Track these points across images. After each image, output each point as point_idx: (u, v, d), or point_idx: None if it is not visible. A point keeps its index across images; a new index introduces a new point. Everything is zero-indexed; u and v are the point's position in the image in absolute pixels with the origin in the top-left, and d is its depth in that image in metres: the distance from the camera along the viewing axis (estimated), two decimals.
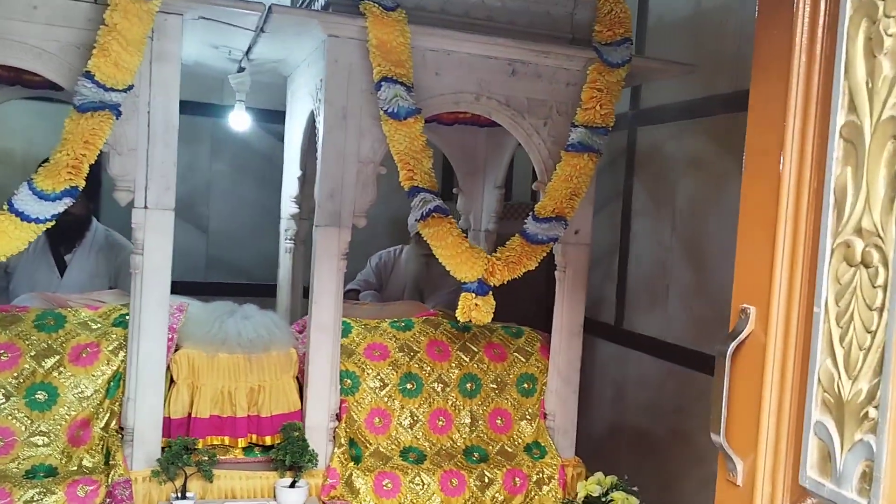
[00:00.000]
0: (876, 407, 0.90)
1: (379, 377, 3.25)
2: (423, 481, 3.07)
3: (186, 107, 4.91)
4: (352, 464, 3.04)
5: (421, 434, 3.26)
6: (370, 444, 3.18)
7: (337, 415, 3.11)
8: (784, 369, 1.07)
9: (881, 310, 0.91)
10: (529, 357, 3.51)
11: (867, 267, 0.93)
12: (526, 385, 3.45)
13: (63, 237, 3.70)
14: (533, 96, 3.18)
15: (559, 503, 3.18)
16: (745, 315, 1.15)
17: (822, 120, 1.00)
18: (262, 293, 4.25)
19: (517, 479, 3.20)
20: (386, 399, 3.24)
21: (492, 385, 3.41)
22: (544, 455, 3.31)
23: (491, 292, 2.92)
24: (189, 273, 5.08)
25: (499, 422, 3.39)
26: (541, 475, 3.24)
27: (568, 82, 3.20)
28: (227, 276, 5.22)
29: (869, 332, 0.92)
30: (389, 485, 3.03)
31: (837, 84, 0.94)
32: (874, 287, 0.92)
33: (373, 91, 2.87)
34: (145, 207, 2.75)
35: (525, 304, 4.11)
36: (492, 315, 2.94)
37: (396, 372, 3.28)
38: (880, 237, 0.92)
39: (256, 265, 5.14)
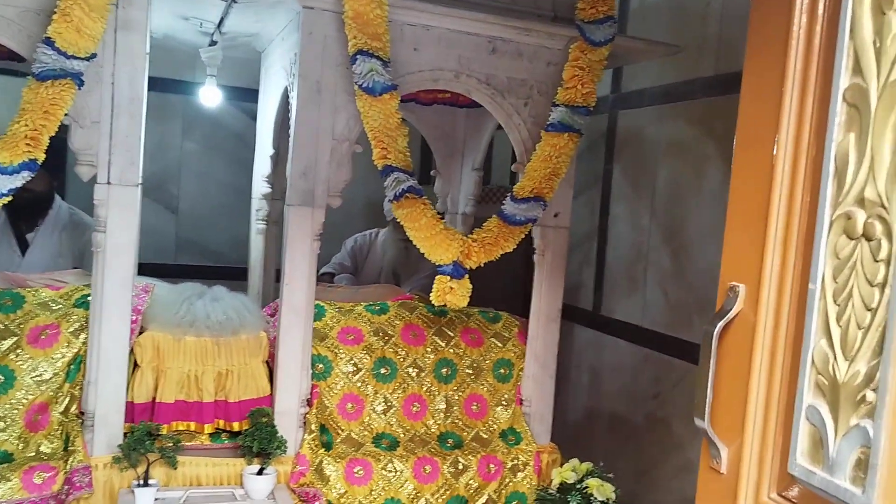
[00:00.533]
0: (874, 390, 0.83)
1: (352, 361, 3.17)
2: (395, 468, 3.00)
3: (157, 83, 4.79)
4: (322, 450, 2.96)
5: (394, 420, 3.19)
6: (342, 430, 3.10)
7: (308, 400, 3.02)
8: (774, 350, 1.01)
9: (883, 286, 0.84)
10: (507, 342, 3.44)
11: (869, 240, 0.87)
12: (502, 370, 3.39)
13: (24, 215, 3.57)
14: (513, 75, 3.09)
15: (534, 490, 3.13)
16: (733, 293, 1.08)
17: (824, 83, 0.94)
18: (235, 276, 4.15)
19: (492, 465, 3.14)
20: (359, 384, 3.16)
21: (468, 370, 3.34)
22: (520, 441, 3.25)
23: (467, 276, 2.85)
24: (158, 255, 4.96)
25: (474, 407, 3.32)
26: (516, 461, 3.18)
27: (549, 62, 3.12)
28: (198, 258, 5.11)
29: (869, 310, 0.86)
30: (361, 472, 2.96)
31: (841, 44, 0.87)
32: (876, 261, 0.85)
33: (348, 65, 2.77)
34: (108, 183, 2.64)
35: (503, 289, 4.04)
36: (468, 299, 2.87)
37: (370, 356, 3.20)
38: (884, 208, 0.85)
39: (228, 247, 5.03)
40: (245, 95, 4.63)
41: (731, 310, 1.08)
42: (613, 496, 2.94)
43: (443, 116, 4.05)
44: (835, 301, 0.91)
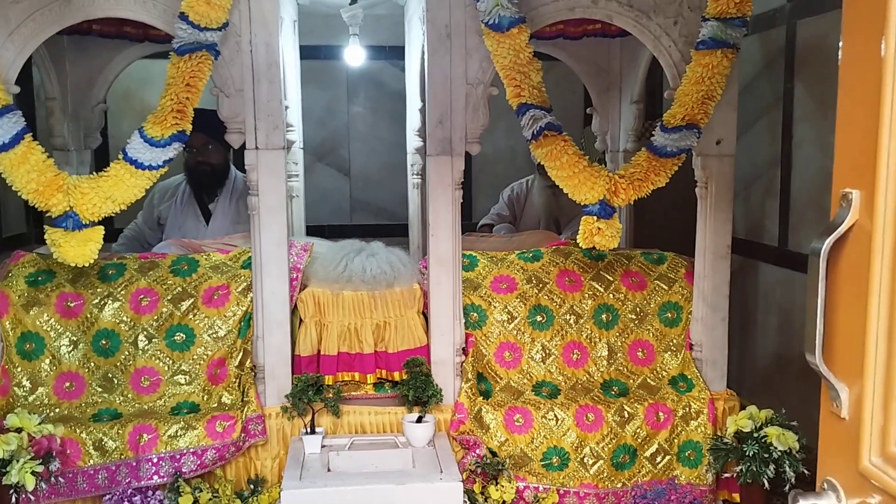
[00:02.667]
0: None
1: (507, 310, 3.12)
2: (556, 416, 2.92)
3: (319, 51, 4.99)
4: (480, 398, 2.95)
5: (554, 368, 3.11)
6: (500, 378, 3.07)
7: (463, 349, 3.02)
8: None
9: None
10: (673, 284, 3.22)
11: None
12: (669, 314, 3.18)
13: (205, 187, 3.85)
14: None
15: (708, 439, 2.92)
16: (846, 202, 0.88)
17: None
18: (404, 233, 4.22)
19: (661, 413, 2.96)
20: (515, 332, 3.11)
21: (630, 315, 3.17)
22: (691, 388, 3.04)
23: (616, 215, 2.68)
24: (335, 216, 5.19)
25: (640, 354, 3.15)
26: (687, 409, 2.98)
27: None
28: (372, 217, 5.28)
29: None
30: (521, 420, 2.91)
31: None
32: None
33: (475, 5, 2.67)
34: (256, 148, 2.76)
35: (673, 229, 3.78)
36: (617, 240, 2.70)
37: (525, 304, 3.13)
38: None
39: (398, 205, 5.14)
40: (400, 53, 4.67)
41: (843, 221, 0.88)
42: (797, 445, 2.67)
43: (595, 49, 3.82)
44: None
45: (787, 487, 2.60)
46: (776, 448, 2.64)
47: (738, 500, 2.94)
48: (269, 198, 2.78)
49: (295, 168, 3.80)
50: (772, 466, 2.61)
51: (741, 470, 2.67)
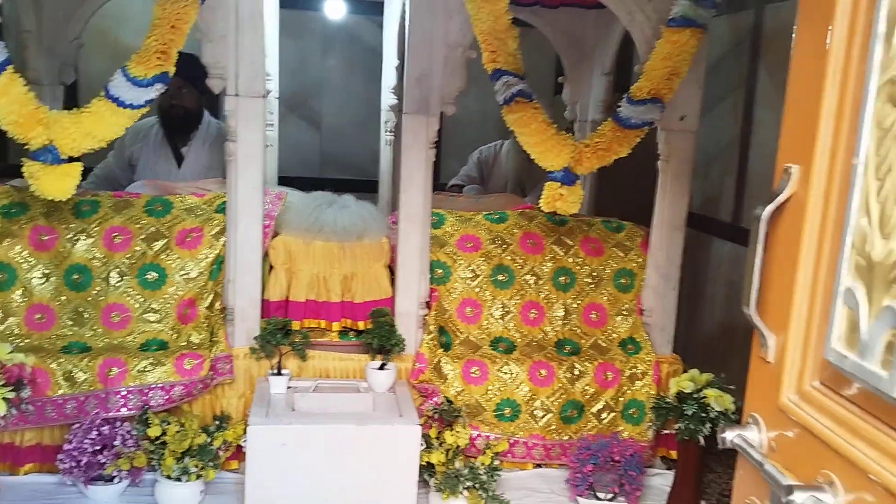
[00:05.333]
0: None
1: (471, 268, 3.25)
2: (511, 371, 3.08)
3: (296, 0, 4.98)
4: (441, 350, 3.09)
5: (512, 325, 3.25)
6: (461, 332, 3.21)
7: (427, 303, 3.15)
8: (822, 233, 0.94)
9: None
10: (629, 252, 3.38)
11: None
12: (623, 280, 3.34)
13: (178, 130, 3.88)
14: None
15: (651, 399, 3.11)
16: (787, 175, 1.01)
17: None
18: (373, 189, 4.30)
19: (609, 373, 3.14)
20: (477, 290, 3.24)
21: (587, 279, 3.33)
22: (639, 351, 3.22)
23: (578, 182, 2.80)
24: (304, 169, 5.23)
25: (593, 316, 3.32)
26: (634, 370, 3.16)
27: None
28: (341, 171, 5.33)
29: None
30: (477, 372, 3.06)
31: None
32: None
33: None
34: (236, 95, 2.81)
35: (632, 200, 3.93)
36: (578, 206, 2.83)
37: (489, 263, 3.26)
38: None
39: (367, 161, 5.20)
40: (379, 9, 4.69)
41: (783, 191, 1.01)
42: (732, 407, 2.86)
43: (570, 19, 3.91)
44: (876, 176, 0.84)
45: (719, 446, 2.80)
46: (713, 409, 2.83)
47: (674, 456, 3.14)
48: (247, 144, 2.85)
49: (270, 118, 3.85)
50: (708, 425, 2.80)
51: (680, 428, 2.85)
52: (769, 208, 1.02)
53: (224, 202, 3.11)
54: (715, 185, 4.33)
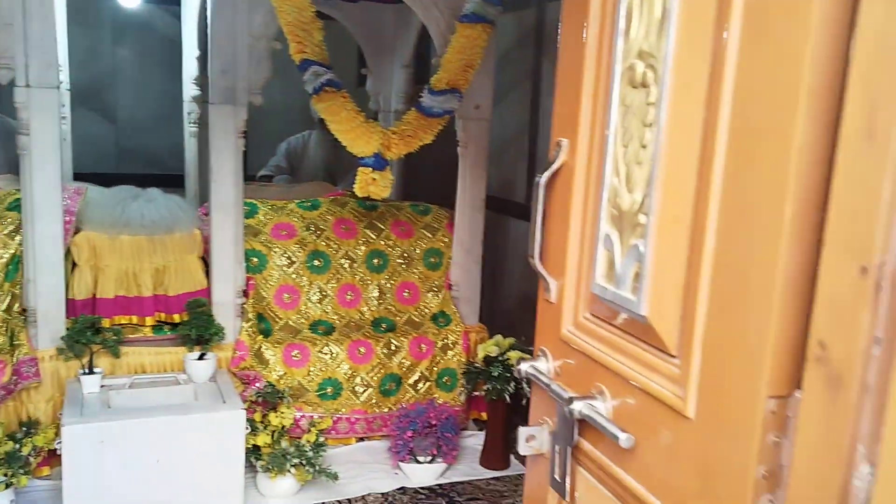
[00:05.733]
0: (645, 214, 1.00)
1: (286, 255, 3.32)
2: (331, 351, 3.20)
3: None
4: (261, 337, 3.14)
5: (330, 308, 3.37)
6: (280, 318, 3.28)
7: (244, 291, 3.18)
8: (587, 193, 1.16)
9: (652, 125, 0.99)
10: (436, 233, 3.61)
11: (644, 87, 1.01)
12: (433, 259, 3.57)
13: None
14: None
15: (462, 365, 3.36)
16: (559, 147, 1.23)
17: None
18: (176, 183, 4.20)
19: (423, 345, 3.35)
20: (294, 276, 3.32)
21: (399, 260, 3.51)
22: (449, 323, 3.46)
23: (389, 167, 2.97)
24: (99, 164, 4.97)
25: (406, 294, 3.51)
26: (446, 341, 3.40)
27: None
28: (141, 166, 5.13)
29: (643, 147, 1.01)
30: (298, 355, 3.15)
31: None
32: (647, 105, 1.00)
33: None
34: (27, 86, 2.68)
35: (438, 184, 4.17)
36: (389, 190, 3.00)
37: (304, 250, 3.34)
38: (654, 57, 0.99)
39: (169, 154, 5.06)
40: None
41: (556, 162, 1.23)
42: None
43: (371, 13, 4.07)
44: (622, 143, 1.06)
45: (523, 402, 3.10)
46: (517, 368, 3.12)
47: (485, 417, 3.42)
48: (41, 138, 2.72)
49: (63, 110, 3.66)
50: (513, 384, 3.09)
51: (488, 388, 3.13)
52: (546, 175, 1.24)
53: (17, 199, 2.96)
54: (509, 170, 4.69)
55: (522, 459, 1.92)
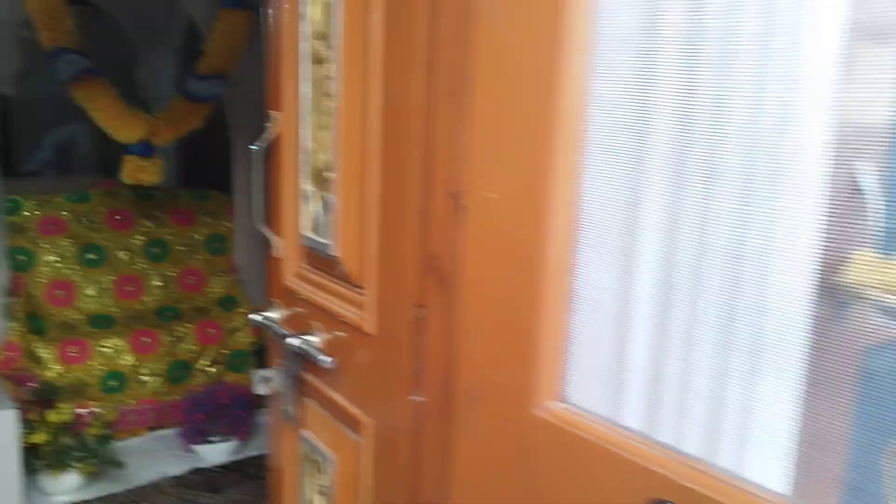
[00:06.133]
0: (331, 171, 1.17)
1: (56, 251, 3.22)
2: (113, 344, 3.16)
3: None
4: (34, 336, 3.04)
5: (109, 301, 3.32)
6: (53, 315, 3.19)
7: (12, 291, 3.06)
8: (295, 157, 1.33)
9: (331, 95, 1.17)
10: (218, 218, 3.64)
11: (323, 63, 1.19)
12: (216, 245, 3.60)
13: None
14: None
15: (252, 346, 3.44)
16: (273, 119, 1.38)
17: None
18: None
19: (210, 329, 3.39)
20: (67, 271, 3.23)
21: (181, 248, 3.52)
22: (237, 305, 3.53)
23: (156, 153, 2.98)
24: None
25: (190, 281, 3.53)
26: (234, 324, 3.46)
27: None
28: None
29: (327, 115, 1.19)
30: (77, 351, 3.09)
31: None
32: (327, 78, 1.18)
33: None
34: None
35: (217, 170, 4.19)
36: (161, 176, 3.01)
37: (76, 244, 3.26)
38: (328, 37, 1.17)
39: None
40: None
41: (269, 132, 1.38)
42: None
43: (137, 1, 3.99)
44: (315, 112, 1.23)
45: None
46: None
47: None
48: None
49: None
50: None
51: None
52: (261, 145, 1.39)
53: None
54: None
55: None
